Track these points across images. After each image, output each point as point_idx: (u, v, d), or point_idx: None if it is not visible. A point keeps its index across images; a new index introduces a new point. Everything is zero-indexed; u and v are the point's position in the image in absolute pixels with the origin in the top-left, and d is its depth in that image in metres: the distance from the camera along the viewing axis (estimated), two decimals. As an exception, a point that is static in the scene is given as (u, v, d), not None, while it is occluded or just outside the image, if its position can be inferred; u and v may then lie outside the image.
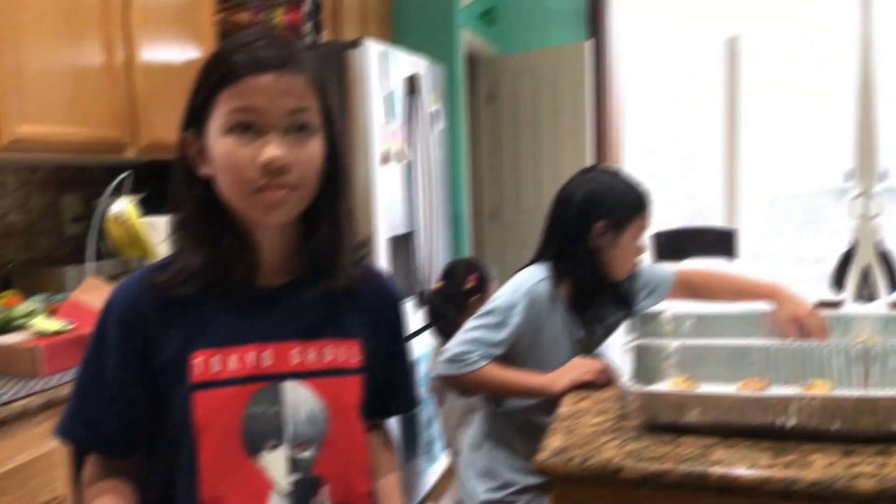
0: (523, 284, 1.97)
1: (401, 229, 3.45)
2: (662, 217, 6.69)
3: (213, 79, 1.09)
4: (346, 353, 1.22)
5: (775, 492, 1.27)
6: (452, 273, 2.67)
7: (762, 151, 6.03)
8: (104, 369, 1.15)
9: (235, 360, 1.14)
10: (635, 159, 6.10)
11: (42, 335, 2.17)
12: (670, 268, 2.28)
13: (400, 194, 3.46)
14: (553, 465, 1.41)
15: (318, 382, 1.18)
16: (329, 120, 1.16)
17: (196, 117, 1.12)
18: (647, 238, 2.07)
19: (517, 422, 2.04)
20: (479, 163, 5.89)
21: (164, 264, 1.17)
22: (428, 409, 3.52)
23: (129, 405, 1.15)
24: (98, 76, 2.63)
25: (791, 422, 1.41)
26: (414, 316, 3.60)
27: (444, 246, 3.94)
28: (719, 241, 4.77)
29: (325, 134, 1.15)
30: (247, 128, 1.08)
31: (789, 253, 6.78)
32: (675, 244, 4.80)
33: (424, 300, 2.49)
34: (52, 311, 2.37)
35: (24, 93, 2.32)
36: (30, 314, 2.32)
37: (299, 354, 1.18)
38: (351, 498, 1.21)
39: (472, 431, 2.17)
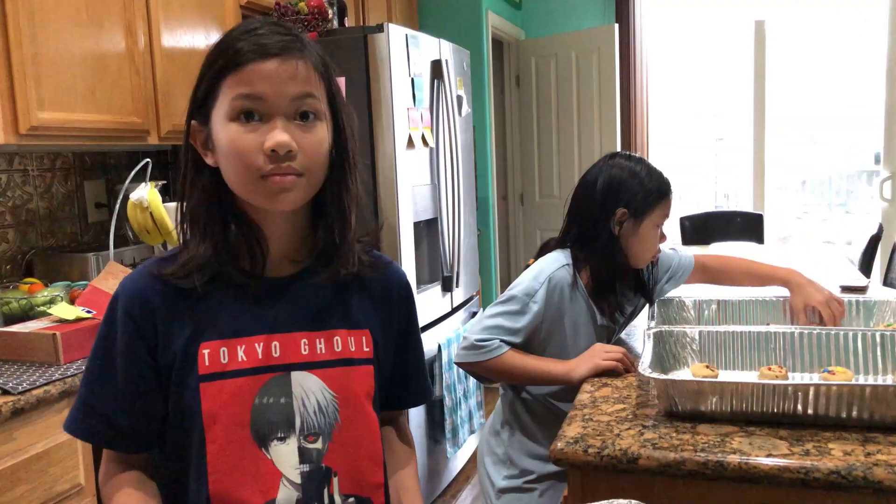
0: (544, 271, 1.96)
1: (425, 215, 3.45)
2: (691, 201, 6.66)
3: (216, 66, 1.09)
4: (356, 343, 1.21)
5: (793, 480, 1.26)
6: (545, 249, 2.71)
7: (791, 135, 5.97)
8: (113, 363, 1.14)
9: (244, 351, 1.14)
10: (663, 143, 6.07)
11: (62, 322, 2.18)
12: (689, 252, 2.27)
13: (424, 179, 3.45)
14: (570, 454, 1.40)
15: (327, 373, 1.17)
16: (335, 107, 1.15)
17: (201, 106, 1.12)
18: (668, 225, 2.06)
19: (537, 409, 2.03)
20: (507, 147, 5.88)
21: (172, 255, 1.17)
22: (453, 395, 3.53)
23: (139, 399, 1.14)
24: (119, 62, 2.64)
25: (809, 410, 1.40)
26: (441, 301, 3.61)
27: (469, 231, 3.93)
28: (746, 226, 4.73)
29: (331, 121, 1.14)
30: (252, 114, 1.07)
31: (819, 236, 6.72)
32: (702, 228, 4.78)
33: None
34: (73, 299, 2.39)
35: (44, 80, 2.34)
36: (51, 301, 2.33)
37: (308, 345, 1.17)
38: (362, 489, 1.21)
39: (491, 418, 2.17)
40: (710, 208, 5.80)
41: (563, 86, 5.51)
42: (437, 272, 3.63)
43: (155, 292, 1.15)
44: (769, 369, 1.63)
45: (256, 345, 1.14)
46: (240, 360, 1.13)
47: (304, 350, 1.17)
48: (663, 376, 1.51)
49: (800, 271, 2.12)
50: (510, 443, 2.06)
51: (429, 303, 3.46)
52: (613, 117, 5.33)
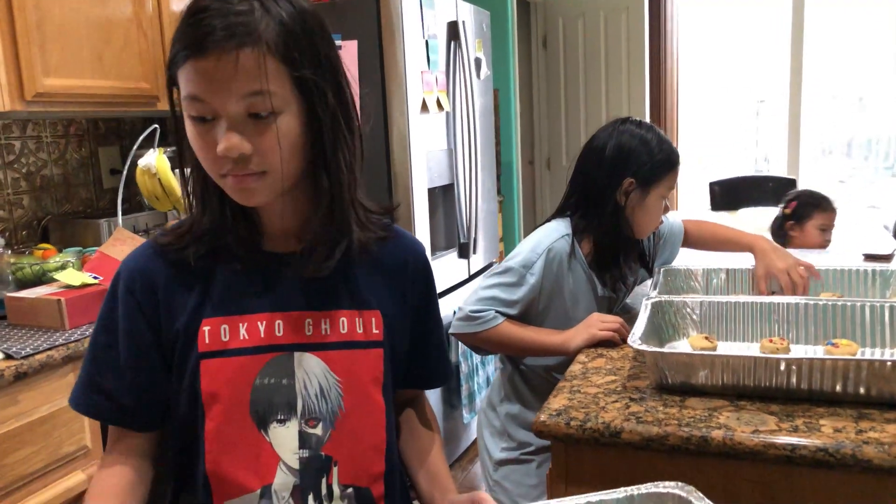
0: (542, 242, 1.91)
1: (441, 181, 3.40)
2: (728, 165, 6.52)
3: (170, 56, 1.02)
4: (364, 324, 1.16)
5: (779, 457, 1.21)
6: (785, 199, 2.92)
7: (836, 97, 5.81)
8: (116, 340, 1.12)
9: (246, 329, 1.10)
10: (695, 105, 5.94)
11: (68, 288, 2.20)
12: (677, 218, 2.23)
13: (440, 144, 3.40)
14: (552, 426, 1.36)
15: (330, 355, 1.13)
16: (306, 89, 1.02)
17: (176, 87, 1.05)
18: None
19: (535, 381, 2.00)
20: (534, 111, 5.80)
21: (175, 227, 1.14)
22: (469, 361, 3.50)
23: (143, 377, 1.12)
24: (127, 28, 2.63)
25: (804, 384, 1.35)
26: (458, 267, 3.58)
27: (487, 197, 3.88)
28: (778, 191, 4.60)
29: (301, 103, 1.03)
30: (201, 115, 1.00)
31: (862, 201, 6.55)
32: (732, 194, 4.66)
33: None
34: (84, 264, 2.41)
35: (49, 46, 2.33)
36: (62, 267, 2.35)
37: (312, 325, 1.13)
38: (362, 479, 1.16)
39: (489, 391, 2.14)
40: (750, 173, 5.67)
41: (591, 47, 5.41)
42: (454, 239, 3.58)
43: (157, 268, 1.12)
44: (770, 341, 1.58)
45: (259, 323, 1.11)
46: (241, 338, 1.10)
47: (309, 331, 1.13)
48: (652, 348, 1.46)
49: (767, 237, 2.05)
50: (508, 415, 2.03)
51: (445, 269, 3.43)
52: (642, 79, 5.22)
